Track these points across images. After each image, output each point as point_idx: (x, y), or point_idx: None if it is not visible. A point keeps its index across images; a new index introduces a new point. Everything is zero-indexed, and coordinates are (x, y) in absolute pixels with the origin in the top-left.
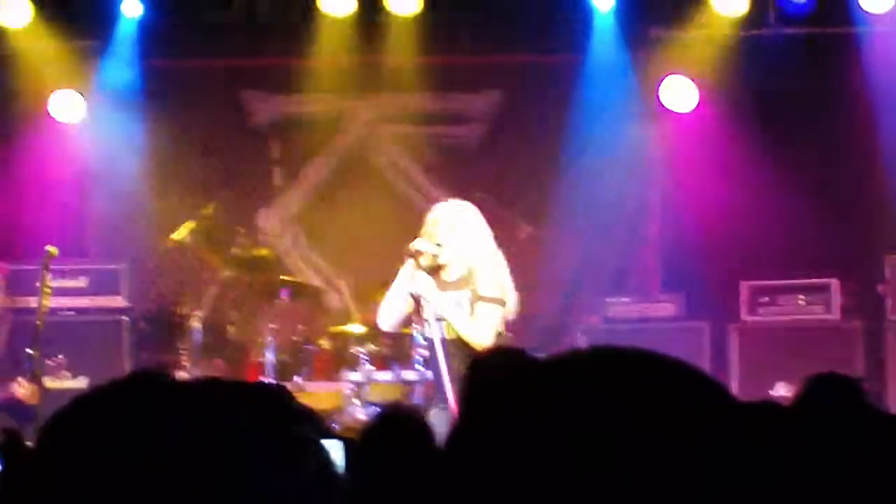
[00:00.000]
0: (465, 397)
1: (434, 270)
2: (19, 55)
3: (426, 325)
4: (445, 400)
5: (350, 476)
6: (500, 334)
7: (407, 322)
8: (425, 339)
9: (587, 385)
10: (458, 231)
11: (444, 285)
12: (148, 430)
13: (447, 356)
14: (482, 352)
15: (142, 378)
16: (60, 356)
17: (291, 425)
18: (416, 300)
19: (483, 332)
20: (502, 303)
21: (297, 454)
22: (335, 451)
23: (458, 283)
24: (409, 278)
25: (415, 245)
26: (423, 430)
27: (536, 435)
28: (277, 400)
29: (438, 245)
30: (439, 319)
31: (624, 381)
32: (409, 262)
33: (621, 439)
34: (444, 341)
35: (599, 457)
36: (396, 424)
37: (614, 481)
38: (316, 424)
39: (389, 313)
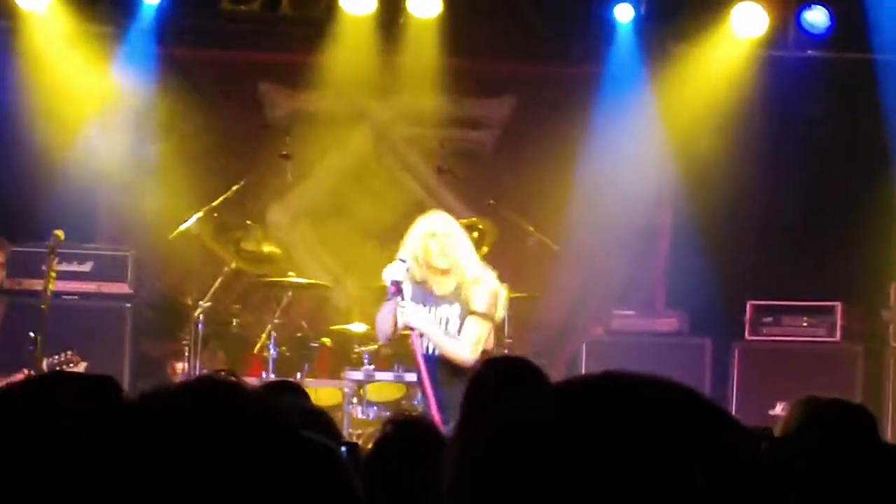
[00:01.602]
0: (467, 403)
1: (425, 282)
2: (38, 39)
3: (412, 339)
4: (429, 411)
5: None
6: (485, 351)
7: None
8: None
9: (591, 411)
10: (444, 242)
11: (436, 299)
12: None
13: (430, 370)
14: (489, 360)
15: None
16: (70, 353)
17: (310, 432)
18: None
19: (464, 349)
20: (491, 319)
21: (317, 463)
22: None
23: (451, 295)
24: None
25: (387, 276)
26: (439, 439)
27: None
28: (297, 404)
29: (404, 260)
30: (421, 335)
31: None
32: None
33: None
34: (426, 356)
35: (597, 483)
36: (412, 433)
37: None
38: (331, 430)
39: (382, 328)
